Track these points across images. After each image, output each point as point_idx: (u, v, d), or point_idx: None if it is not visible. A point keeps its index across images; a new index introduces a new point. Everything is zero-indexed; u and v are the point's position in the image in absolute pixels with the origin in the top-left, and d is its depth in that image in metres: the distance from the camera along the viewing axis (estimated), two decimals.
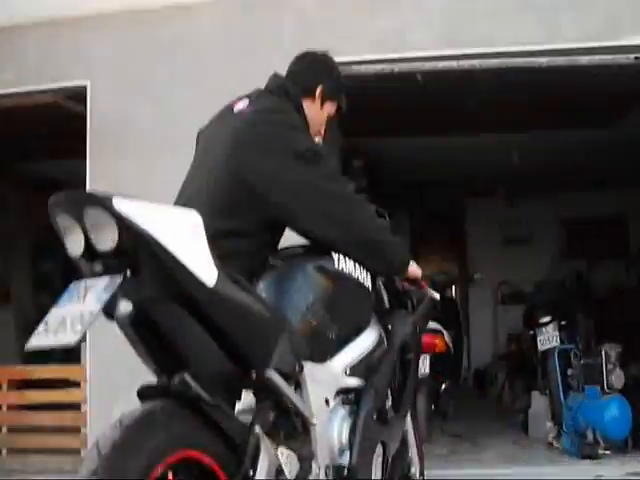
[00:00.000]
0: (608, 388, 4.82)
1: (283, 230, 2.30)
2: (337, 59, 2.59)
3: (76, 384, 4.81)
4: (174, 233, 1.54)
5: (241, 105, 2.31)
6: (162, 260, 1.52)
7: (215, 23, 4.82)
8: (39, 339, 1.47)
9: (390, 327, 2.46)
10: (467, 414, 6.70)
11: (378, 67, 4.56)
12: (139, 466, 1.47)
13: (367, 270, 2.30)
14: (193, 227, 1.62)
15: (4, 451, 4.99)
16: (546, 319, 5.53)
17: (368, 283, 2.32)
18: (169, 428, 1.57)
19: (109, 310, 1.54)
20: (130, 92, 4.80)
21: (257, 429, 1.78)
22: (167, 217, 1.56)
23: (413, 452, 2.70)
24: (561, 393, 5.30)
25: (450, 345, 5.43)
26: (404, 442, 2.61)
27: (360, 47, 4.48)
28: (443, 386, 5.34)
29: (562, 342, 5.45)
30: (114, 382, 4.10)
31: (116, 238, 1.47)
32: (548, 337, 5.47)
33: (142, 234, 1.48)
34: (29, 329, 1.53)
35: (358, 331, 2.31)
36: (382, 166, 7.41)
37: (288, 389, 1.93)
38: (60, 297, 1.55)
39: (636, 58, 4.35)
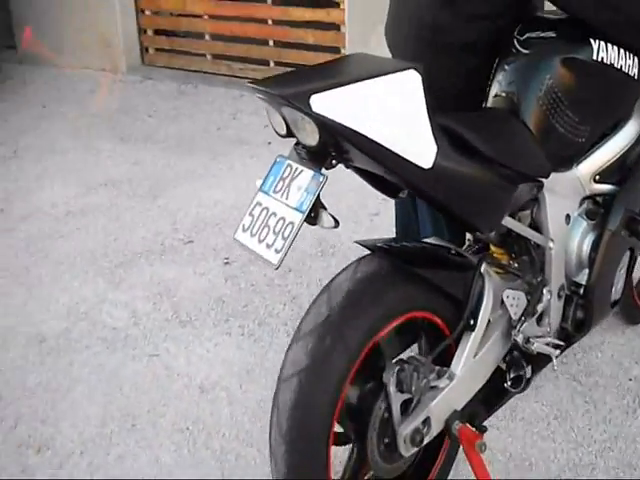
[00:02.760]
0: None
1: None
2: None
3: (336, 4, 4.86)
4: (382, 119, 1.30)
5: None
6: (369, 152, 1.32)
7: None
8: (246, 238, 1.40)
9: None
10: None
11: None
12: (372, 320, 1.42)
13: (636, 54, 1.80)
14: (408, 97, 1.33)
15: (271, 63, 5.32)
16: None
17: (634, 70, 1.82)
18: (403, 288, 1.48)
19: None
20: None
21: (483, 267, 1.63)
22: (372, 100, 1.29)
23: None
24: None
25: None
26: None
27: None
28: None
29: None
30: (374, 5, 3.61)
31: (317, 137, 1.30)
32: None
33: (344, 132, 1.27)
34: None
35: (615, 128, 1.90)
36: None
37: (523, 229, 1.73)
38: (267, 174, 1.43)
39: None
